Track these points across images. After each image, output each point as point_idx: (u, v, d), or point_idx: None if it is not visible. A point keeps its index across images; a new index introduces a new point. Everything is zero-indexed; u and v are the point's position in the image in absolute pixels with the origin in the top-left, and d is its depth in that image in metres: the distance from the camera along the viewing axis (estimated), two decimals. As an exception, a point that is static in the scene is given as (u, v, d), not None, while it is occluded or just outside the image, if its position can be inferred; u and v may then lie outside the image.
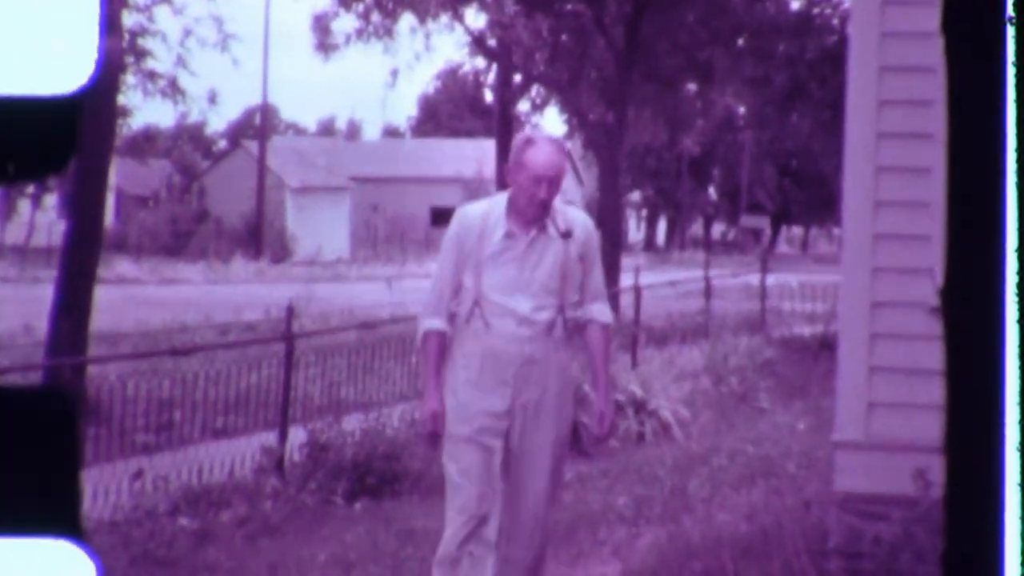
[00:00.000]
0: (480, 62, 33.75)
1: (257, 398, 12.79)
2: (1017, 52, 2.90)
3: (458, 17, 27.63)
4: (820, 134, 26.29)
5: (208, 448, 11.56)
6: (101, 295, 15.11)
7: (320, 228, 56.29)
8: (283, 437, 11.34)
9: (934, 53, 3.49)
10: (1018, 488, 2.89)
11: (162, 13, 17.40)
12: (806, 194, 67.33)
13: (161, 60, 17.13)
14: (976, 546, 3.07)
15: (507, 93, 31.33)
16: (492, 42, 28.80)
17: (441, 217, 53.76)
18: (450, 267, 5.76)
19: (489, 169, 45.68)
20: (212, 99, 23.35)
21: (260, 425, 12.37)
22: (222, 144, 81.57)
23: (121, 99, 16.37)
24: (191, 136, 79.09)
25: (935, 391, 3.51)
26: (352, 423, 11.44)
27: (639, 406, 13.77)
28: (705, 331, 21.00)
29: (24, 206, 53.10)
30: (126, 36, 15.78)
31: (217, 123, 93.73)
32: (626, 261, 27.73)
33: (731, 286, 25.87)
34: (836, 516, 7.04)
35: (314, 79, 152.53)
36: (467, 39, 29.37)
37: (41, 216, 50.83)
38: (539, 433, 5.71)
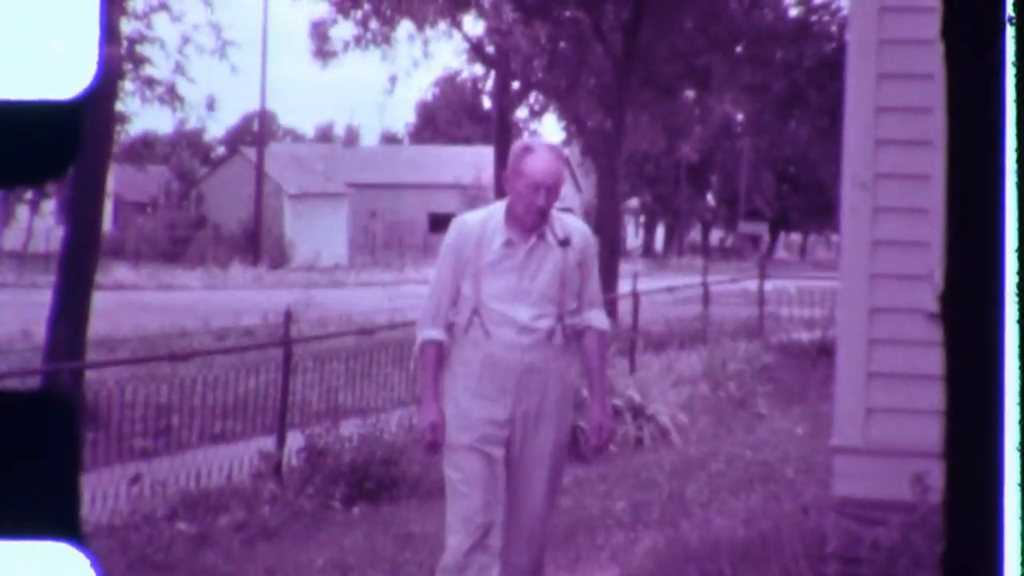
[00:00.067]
0: (478, 69, 33.83)
1: (255, 403, 12.78)
2: (1017, 52, 2.90)
3: (456, 24, 27.65)
4: (818, 141, 26.25)
5: (206, 453, 11.56)
6: (99, 301, 15.12)
7: (318, 234, 56.27)
8: (281, 442, 11.35)
9: (932, 60, 3.50)
10: (1018, 489, 2.89)
11: (160, 20, 17.37)
12: (804, 200, 67.31)
13: (159, 67, 17.12)
14: (976, 550, 3.07)
15: (505, 100, 31.33)
16: (490, 49, 28.82)
17: (439, 223, 53.73)
18: (448, 276, 5.73)
19: (487, 176, 45.67)
20: (210, 105, 23.36)
21: (258, 430, 12.37)
22: (220, 150, 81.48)
23: (119, 106, 16.34)
24: (189, 142, 79.08)
25: (933, 396, 3.51)
26: (350, 428, 11.45)
27: (637, 411, 13.78)
28: (703, 337, 21.01)
29: (22, 212, 53.05)
30: (124, 43, 15.77)
31: (215, 129, 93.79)
32: (624, 267, 27.76)
33: (729, 292, 25.86)
34: (834, 521, 7.04)
35: (312, 86, 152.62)
36: (465, 46, 29.43)
37: (39, 222, 50.74)
38: (539, 440, 5.70)
